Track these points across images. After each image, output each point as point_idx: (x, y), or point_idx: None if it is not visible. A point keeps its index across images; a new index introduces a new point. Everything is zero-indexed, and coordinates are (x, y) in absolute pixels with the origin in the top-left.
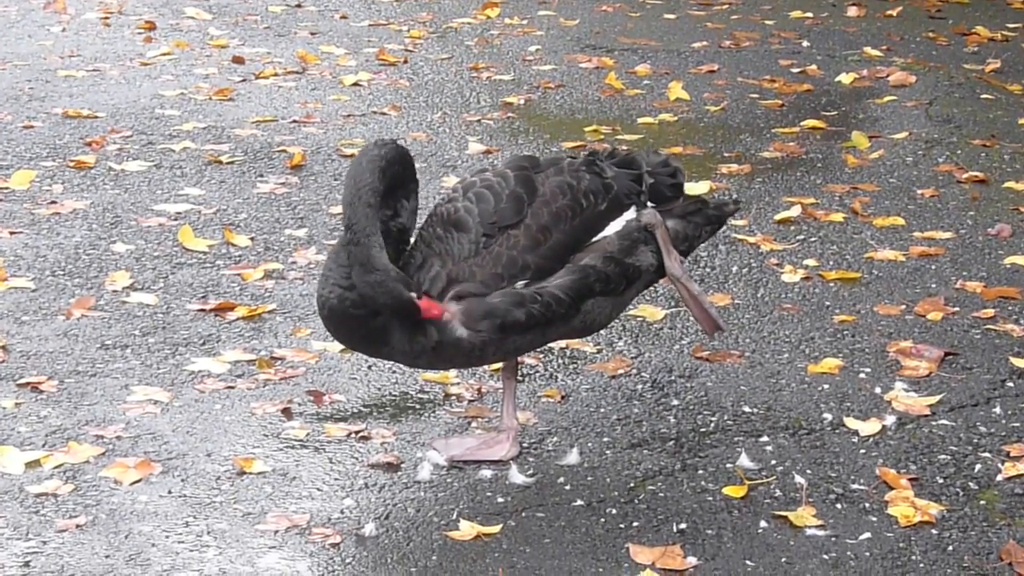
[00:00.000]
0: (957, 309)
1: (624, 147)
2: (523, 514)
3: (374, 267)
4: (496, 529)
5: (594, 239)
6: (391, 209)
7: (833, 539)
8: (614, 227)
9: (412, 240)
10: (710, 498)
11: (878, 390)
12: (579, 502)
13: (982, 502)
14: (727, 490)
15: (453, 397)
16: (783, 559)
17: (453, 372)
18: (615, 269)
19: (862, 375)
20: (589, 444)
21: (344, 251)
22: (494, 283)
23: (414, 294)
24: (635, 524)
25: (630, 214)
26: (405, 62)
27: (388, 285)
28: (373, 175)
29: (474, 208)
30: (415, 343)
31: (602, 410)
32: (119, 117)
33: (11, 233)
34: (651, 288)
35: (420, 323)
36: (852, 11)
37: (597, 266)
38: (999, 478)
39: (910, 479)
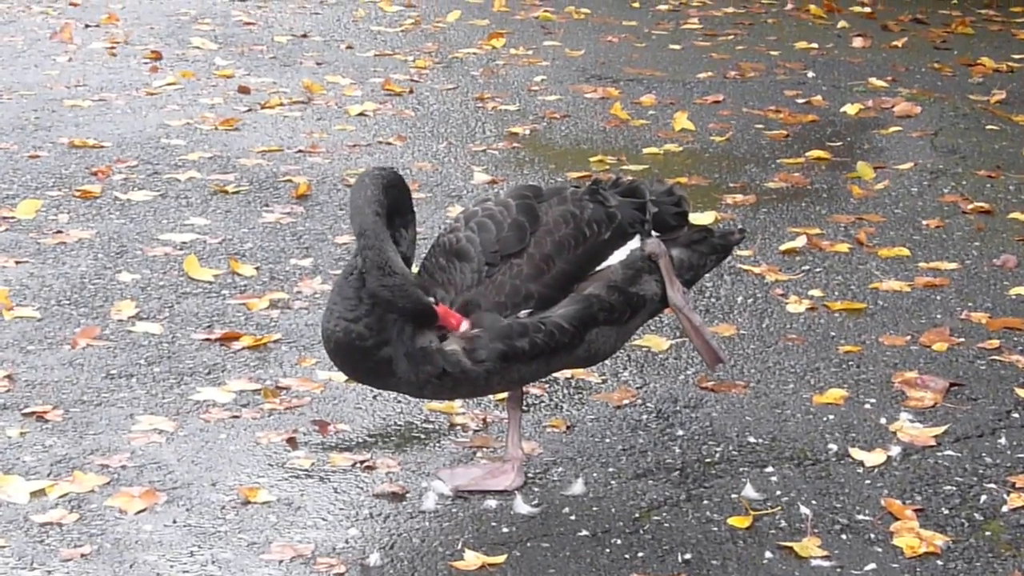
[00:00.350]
0: (962, 340)
1: (629, 177)
2: (528, 544)
3: (392, 270)
4: (501, 559)
5: (598, 268)
6: (391, 235)
7: (838, 570)
8: (618, 256)
9: (415, 269)
10: (715, 528)
11: (883, 421)
12: (584, 532)
13: (987, 533)
14: (732, 520)
15: (458, 427)
16: None
17: (458, 402)
18: (619, 298)
19: (867, 406)
20: (594, 474)
21: (348, 284)
22: (498, 312)
23: (432, 299)
24: (640, 554)
25: (634, 243)
26: (411, 92)
27: (407, 289)
28: (377, 188)
29: (476, 237)
30: (421, 372)
31: (607, 440)
32: (125, 147)
33: (17, 263)
34: (656, 318)
35: (426, 353)
36: (857, 42)
37: (601, 295)
38: (1004, 509)
39: (915, 510)
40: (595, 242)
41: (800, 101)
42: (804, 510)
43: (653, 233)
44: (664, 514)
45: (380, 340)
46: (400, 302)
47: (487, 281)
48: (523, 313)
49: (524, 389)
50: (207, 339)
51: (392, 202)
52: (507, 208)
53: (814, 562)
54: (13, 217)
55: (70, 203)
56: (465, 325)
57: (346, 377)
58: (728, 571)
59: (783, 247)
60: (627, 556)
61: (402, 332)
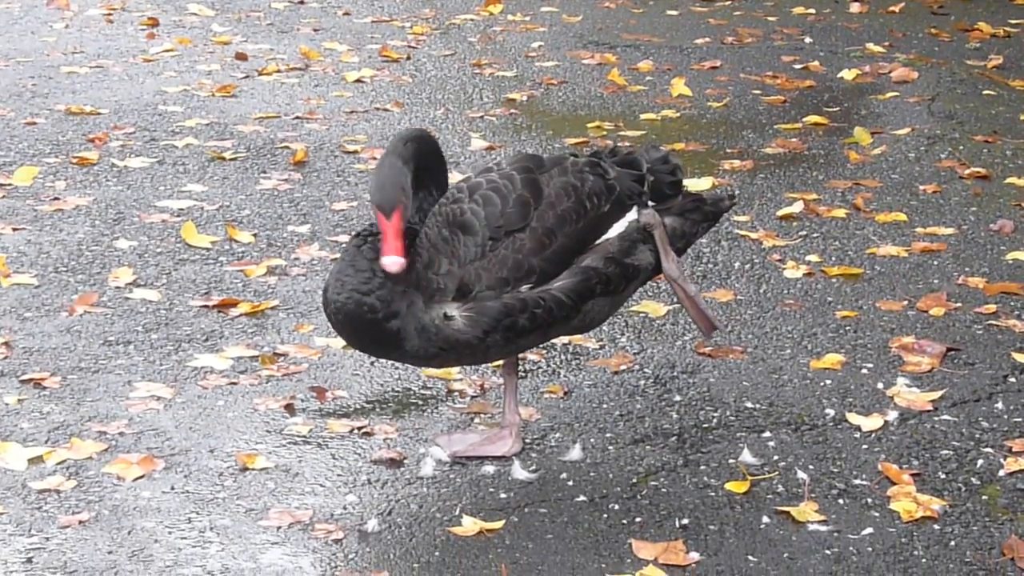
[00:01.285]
0: (959, 305)
1: (627, 143)
2: (526, 510)
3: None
4: (499, 525)
5: (597, 241)
6: (420, 198)
7: (835, 534)
8: (617, 228)
9: (417, 237)
10: (712, 494)
11: (880, 386)
12: (582, 498)
13: (984, 497)
14: (729, 486)
15: (456, 393)
16: (785, 554)
17: (456, 369)
18: (615, 270)
19: (864, 371)
20: (592, 440)
21: (360, 255)
22: (500, 287)
23: (400, 204)
24: (638, 520)
25: (632, 214)
26: (408, 58)
27: (402, 175)
28: (405, 176)
29: (480, 211)
30: (431, 347)
31: (604, 406)
32: (122, 113)
33: (14, 229)
34: (654, 284)
35: (438, 328)
36: (854, 7)
37: (598, 268)
38: (1001, 473)
39: (912, 474)
40: (595, 215)
41: (797, 67)
42: (801, 475)
43: (649, 203)
44: (662, 479)
45: (389, 312)
46: (386, 187)
47: (490, 255)
48: (525, 287)
49: (521, 355)
50: (205, 306)
51: (421, 165)
52: (511, 182)
53: (811, 526)
54: (10, 184)
55: (67, 170)
56: (395, 264)
57: (344, 343)
58: (725, 536)
59: (780, 212)
60: (625, 521)
61: (412, 305)
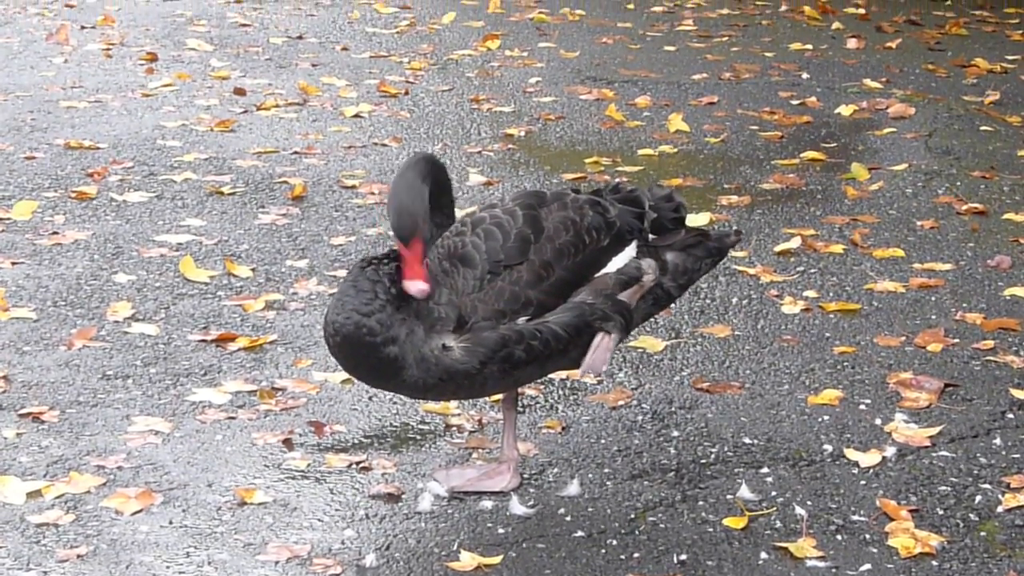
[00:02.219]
0: (957, 340)
1: (624, 179)
2: (524, 545)
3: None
4: (497, 560)
5: (596, 275)
6: (434, 220)
7: (834, 570)
8: (616, 263)
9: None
10: (711, 529)
11: (878, 421)
12: (580, 533)
13: (982, 533)
14: (728, 521)
15: (454, 428)
16: None
17: (454, 403)
18: (611, 306)
19: (862, 406)
20: (590, 475)
21: (364, 276)
22: (497, 319)
23: (420, 231)
24: (636, 555)
25: (631, 249)
26: (406, 94)
27: (419, 201)
28: (425, 202)
29: (482, 244)
30: (430, 377)
31: (603, 441)
32: (121, 148)
33: (13, 263)
34: (651, 320)
35: (437, 359)
36: (852, 43)
37: (592, 302)
38: (999, 509)
39: (910, 510)
40: (594, 249)
41: (795, 102)
42: (799, 511)
43: (651, 236)
44: (660, 515)
45: (388, 337)
46: (409, 204)
47: (488, 287)
48: (522, 320)
49: (520, 390)
50: (203, 340)
51: (433, 189)
52: (513, 217)
53: (809, 563)
54: (9, 218)
55: (66, 204)
56: (418, 288)
57: (342, 378)
58: (724, 572)
59: (778, 248)
60: (623, 557)
61: (412, 334)
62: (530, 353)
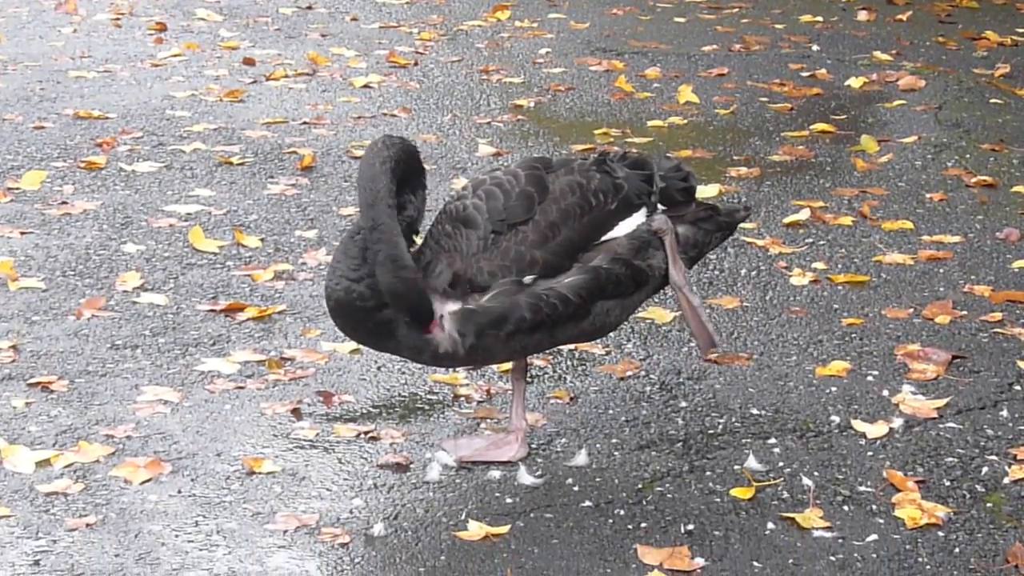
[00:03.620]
0: (965, 313)
1: (634, 150)
2: (531, 515)
3: (406, 264)
4: (504, 529)
5: (603, 239)
6: (399, 203)
7: (840, 541)
8: (624, 228)
9: (421, 238)
10: (718, 500)
11: (886, 393)
12: (587, 503)
13: (989, 505)
14: (735, 492)
15: (462, 398)
16: (790, 560)
17: (463, 373)
18: (624, 271)
19: (870, 378)
20: (597, 445)
21: (353, 243)
22: (501, 276)
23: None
24: (643, 525)
25: (640, 216)
26: (415, 64)
27: (419, 286)
28: (387, 176)
29: (483, 205)
30: (421, 339)
31: (611, 412)
32: (130, 118)
33: (22, 233)
34: (659, 292)
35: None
36: (862, 15)
37: (607, 267)
38: (1006, 481)
39: (917, 481)
40: (601, 212)
41: (804, 74)
42: (806, 481)
43: (660, 207)
44: (667, 485)
45: (381, 302)
46: (410, 296)
47: (492, 247)
48: (528, 279)
49: (528, 360)
50: (212, 310)
51: (403, 174)
52: (516, 178)
53: (816, 533)
54: (18, 188)
55: (75, 174)
56: (437, 332)
57: (351, 348)
58: (730, 542)
59: (787, 220)
60: (630, 527)
61: None
62: (536, 315)
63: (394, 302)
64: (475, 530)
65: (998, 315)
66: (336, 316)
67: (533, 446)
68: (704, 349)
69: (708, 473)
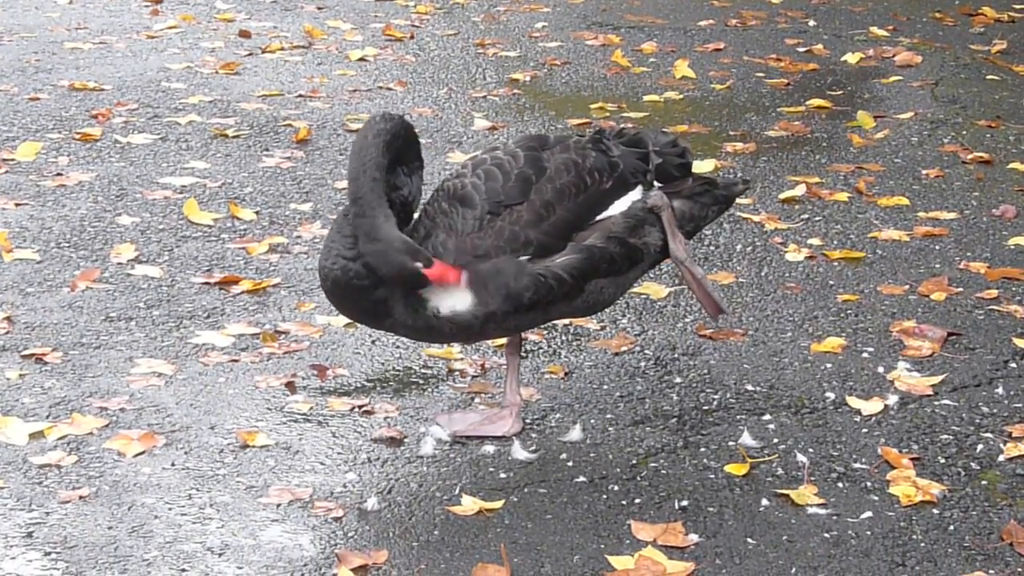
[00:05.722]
0: (961, 289)
1: (630, 124)
2: (525, 490)
3: (377, 237)
4: (498, 504)
5: (599, 217)
6: (394, 182)
7: (834, 517)
8: (619, 206)
9: (417, 214)
10: (712, 476)
11: (881, 369)
12: (581, 478)
13: (983, 482)
14: (729, 468)
15: (457, 372)
16: (784, 537)
17: (457, 348)
18: (619, 250)
19: (865, 354)
20: (592, 421)
21: (347, 222)
22: (495, 255)
23: (419, 264)
24: (637, 501)
25: (636, 193)
26: (411, 37)
27: (390, 255)
28: (378, 149)
29: (481, 185)
30: (417, 317)
31: (605, 387)
32: (125, 90)
33: (16, 205)
34: (655, 267)
35: (421, 297)
36: None
37: (601, 246)
38: (1001, 458)
39: (912, 459)
40: (596, 191)
41: (801, 50)
42: (801, 458)
43: (656, 184)
44: (661, 461)
45: (376, 280)
46: (383, 268)
47: (487, 227)
48: (522, 259)
49: (523, 335)
50: (206, 283)
51: (397, 152)
52: (515, 158)
53: (810, 510)
54: (13, 159)
55: (70, 146)
56: (464, 278)
57: (345, 321)
58: (724, 518)
59: (783, 196)
60: (624, 503)
61: None
62: (535, 293)
63: (374, 276)
64: (469, 505)
65: (994, 292)
66: (332, 295)
67: (527, 421)
68: (713, 317)
69: (702, 449)
